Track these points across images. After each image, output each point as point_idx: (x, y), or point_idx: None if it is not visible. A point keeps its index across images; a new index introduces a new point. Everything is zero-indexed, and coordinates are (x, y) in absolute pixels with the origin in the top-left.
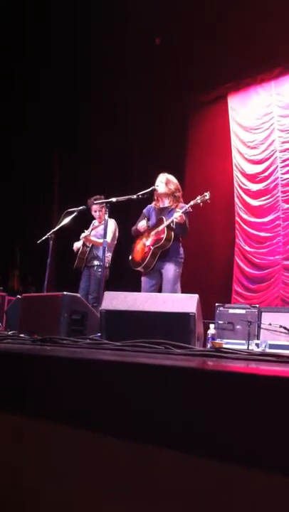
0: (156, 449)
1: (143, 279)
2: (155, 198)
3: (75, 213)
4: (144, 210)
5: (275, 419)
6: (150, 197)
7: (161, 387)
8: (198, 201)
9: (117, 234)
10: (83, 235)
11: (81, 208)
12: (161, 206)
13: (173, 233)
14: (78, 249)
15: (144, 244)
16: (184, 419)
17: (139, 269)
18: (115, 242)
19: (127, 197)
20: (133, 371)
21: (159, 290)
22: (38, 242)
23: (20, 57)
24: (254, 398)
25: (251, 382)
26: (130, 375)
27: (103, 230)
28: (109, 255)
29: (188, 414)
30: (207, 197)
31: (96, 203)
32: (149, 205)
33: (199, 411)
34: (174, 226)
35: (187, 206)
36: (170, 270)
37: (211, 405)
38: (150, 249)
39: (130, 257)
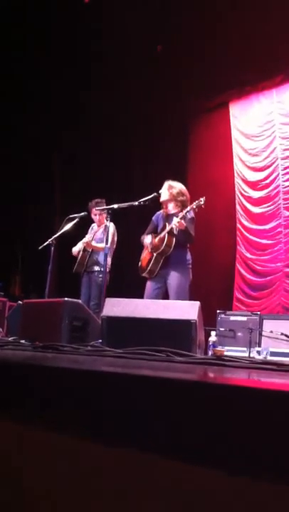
0: (156, 456)
1: (148, 283)
2: (162, 205)
3: (77, 219)
4: (153, 218)
5: (275, 429)
6: (152, 204)
7: (161, 398)
8: (194, 207)
9: (116, 238)
10: (84, 240)
11: (82, 214)
12: (168, 213)
13: (174, 239)
14: (78, 253)
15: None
16: (184, 428)
17: (144, 275)
18: (114, 246)
19: (128, 203)
20: (134, 381)
21: (163, 295)
22: (40, 248)
23: (21, 57)
24: (254, 409)
25: (251, 394)
26: (131, 384)
27: (102, 234)
28: (108, 260)
29: (188, 423)
30: (202, 202)
31: (98, 209)
32: (158, 212)
33: (200, 421)
34: (176, 232)
35: (184, 212)
36: (174, 279)
37: (212, 415)
38: (152, 255)
39: (139, 264)
